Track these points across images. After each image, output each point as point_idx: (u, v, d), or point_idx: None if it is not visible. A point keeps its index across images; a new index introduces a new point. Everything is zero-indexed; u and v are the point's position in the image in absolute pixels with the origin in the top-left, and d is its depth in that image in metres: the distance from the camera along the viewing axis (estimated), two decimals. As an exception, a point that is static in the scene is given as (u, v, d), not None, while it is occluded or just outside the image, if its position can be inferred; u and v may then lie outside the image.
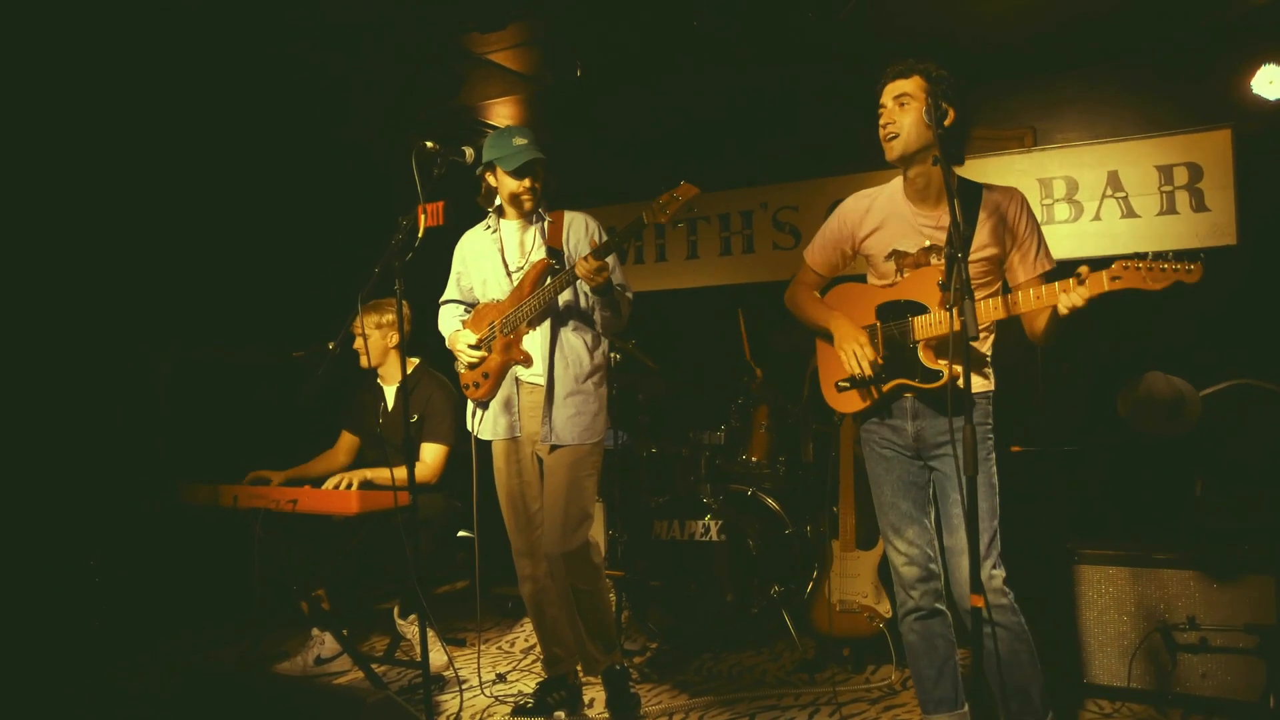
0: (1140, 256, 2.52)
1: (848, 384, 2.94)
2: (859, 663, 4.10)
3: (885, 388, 2.86)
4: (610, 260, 3.36)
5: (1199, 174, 5.04)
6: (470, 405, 3.69)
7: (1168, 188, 5.11)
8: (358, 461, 4.40)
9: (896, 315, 2.85)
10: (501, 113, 5.88)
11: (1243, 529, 3.78)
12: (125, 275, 5.35)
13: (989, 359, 2.91)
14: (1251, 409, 4.51)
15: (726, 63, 5.16)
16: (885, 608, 4.01)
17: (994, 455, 2.83)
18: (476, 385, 3.63)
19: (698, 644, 4.45)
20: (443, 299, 3.87)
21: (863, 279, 3.08)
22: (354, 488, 3.75)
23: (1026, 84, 5.44)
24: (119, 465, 5.18)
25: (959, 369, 2.77)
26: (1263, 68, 4.67)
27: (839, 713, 3.59)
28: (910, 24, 4.66)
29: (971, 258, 2.74)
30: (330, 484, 3.81)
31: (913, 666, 3.01)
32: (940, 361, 2.76)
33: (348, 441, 4.48)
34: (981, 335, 2.85)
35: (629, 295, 3.55)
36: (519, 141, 3.46)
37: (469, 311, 3.78)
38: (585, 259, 3.25)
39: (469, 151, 3.30)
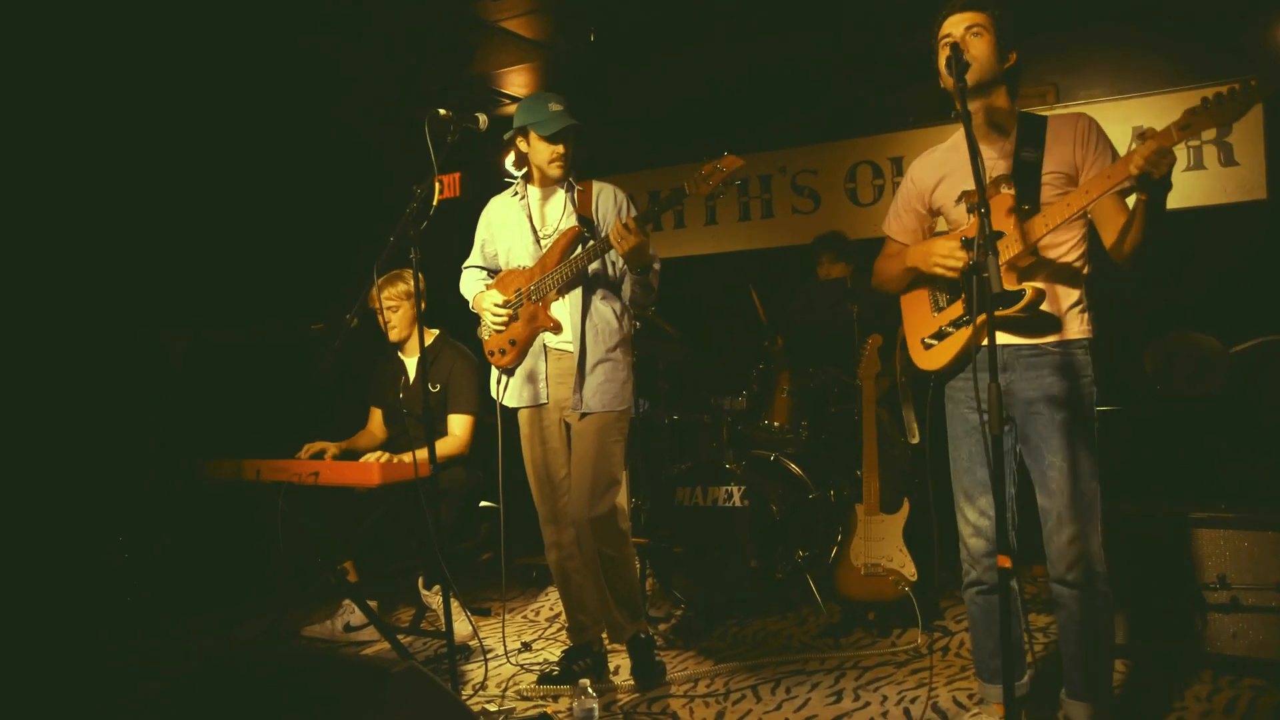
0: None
1: (934, 339, 2.83)
2: (884, 626, 4.08)
3: (973, 327, 2.68)
4: (647, 230, 3.31)
5: (1227, 128, 4.93)
6: (495, 372, 3.68)
7: (1195, 143, 5.02)
8: (388, 437, 4.41)
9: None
10: (516, 81, 5.83)
11: (1273, 486, 3.73)
12: (142, 254, 5.35)
13: (1085, 300, 2.69)
14: (1282, 366, 4.43)
15: (742, 26, 5.09)
16: (910, 570, 3.99)
17: (1095, 411, 2.66)
18: (503, 352, 3.61)
19: (722, 610, 4.44)
20: (466, 263, 3.85)
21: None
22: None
23: (1048, 39, 5.34)
24: (143, 443, 5.21)
25: (1044, 286, 2.61)
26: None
27: (864, 676, 3.58)
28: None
29: (1044, 179, 2.64)
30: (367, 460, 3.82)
31: (972, 634, 2.95)
32: (1022, 283, 2.59)
33: (378, 416, 4.49)
34: (1077, 261, 2.67)
35: (657, 268, 3.51)
36: (554, 107, 3.42)
37: (491, 277, 3.76)
38: (626, 223, 3.20)
39: (483, 119, 3.24)
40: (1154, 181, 2.35)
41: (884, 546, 4.06)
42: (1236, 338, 4.50)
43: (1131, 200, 2.50)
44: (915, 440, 4.34)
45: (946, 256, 2.67)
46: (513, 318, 3.57)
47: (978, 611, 2.88)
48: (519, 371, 3.61)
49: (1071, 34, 5.30)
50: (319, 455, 4.04)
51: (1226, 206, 5.00)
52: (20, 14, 4.22)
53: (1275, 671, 3.27)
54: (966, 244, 2.58)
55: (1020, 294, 2.58)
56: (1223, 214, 4.98)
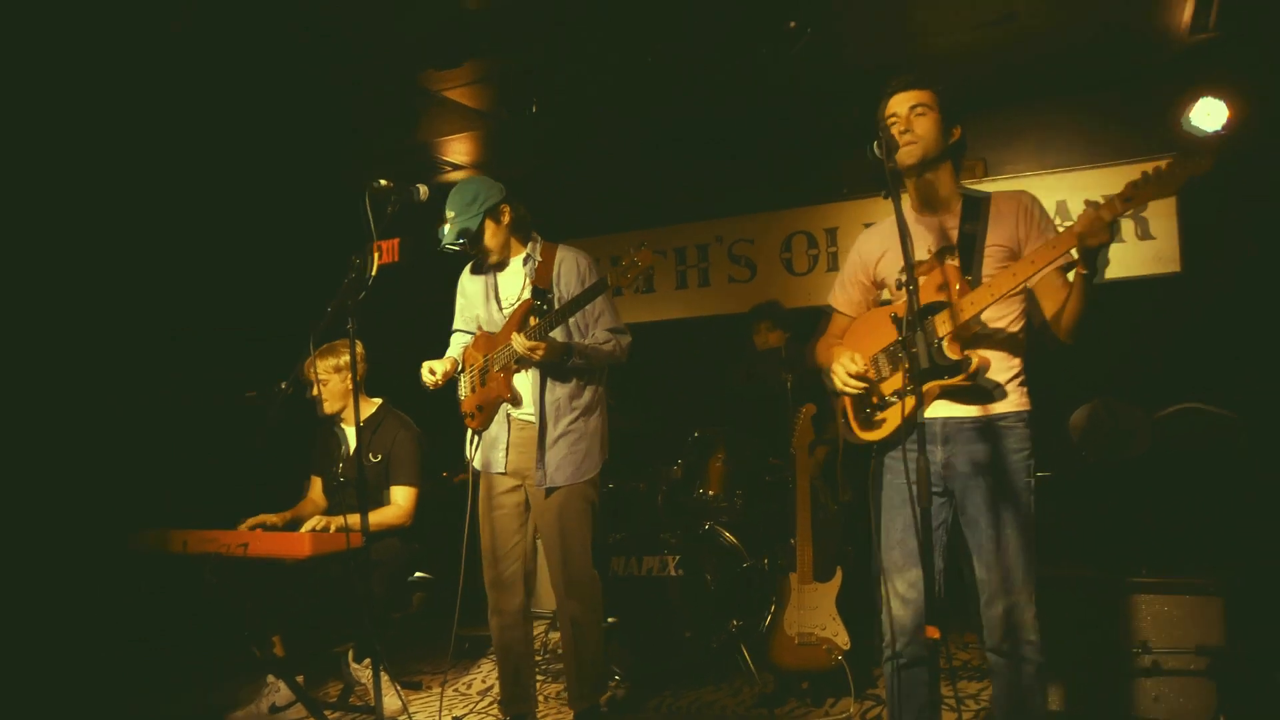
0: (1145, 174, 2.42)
1: (875, 409, 2.79)
2: (818, 696, 4.07)
3: (913, 398, 2.62)
4: (554, 335, 3.42)
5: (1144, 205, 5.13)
6: (469, 433, 3.70)
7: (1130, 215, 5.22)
8: (329, 506, 4.35)
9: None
10: (458, 149, 5.88)
11: (1192, 551, 3.82)
12: (72, 315, 5.26)
13: (1023, 373, 2.75)
14: (1200, 433, 4.57)
15: (682, 98, 5.21)
16: (843, 640, 4.00)
17: (1032, 484, 2.70)
18: (472, 416, 3.66)
19: (657, 681, 4.40)
20: (453, 326, 3.92)
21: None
22: (331, 531, 3.71)
23: (978, 115, 5.53)
24: (67, 512, 5.06)
25: (986, 355, 2.63)
26: (1199, 101, 4.78)
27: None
28: (863, 59, 4.74)
29: (987, 251, 2.70)
30: (308, 526, 3.76)
31: (890, 706, 2.88)
32: (966, 351, 2.61)
33: (319, 485, 4.42)
34: (1019, 334, 2.72)
35: (624, 342, 3.62)
36: (448, 214, 3.51)
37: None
38: (520, 335, 3.31)
39: (423, 189, 3.25)
40: (1092, 251, 2.42)
41: (817, 615, 4.08)
42: (1154, 404, 4.64)
43: (1072, 275, 2.58)
44: (846, 498, 4.41)
45: (840, 377, 2.74)
46: (481, 382, 3.60)
47: (897, 685, 2.82)
48: (485, 436, 3.65)
49: (1001, 110, 5.52)
50: (270, 527, 3.96)
51: (1143, 279, 5.19)
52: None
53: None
54: (897, 321, 2.63)
55: (966, 362, 2.60)
56: (1140, 286, 5.16)
